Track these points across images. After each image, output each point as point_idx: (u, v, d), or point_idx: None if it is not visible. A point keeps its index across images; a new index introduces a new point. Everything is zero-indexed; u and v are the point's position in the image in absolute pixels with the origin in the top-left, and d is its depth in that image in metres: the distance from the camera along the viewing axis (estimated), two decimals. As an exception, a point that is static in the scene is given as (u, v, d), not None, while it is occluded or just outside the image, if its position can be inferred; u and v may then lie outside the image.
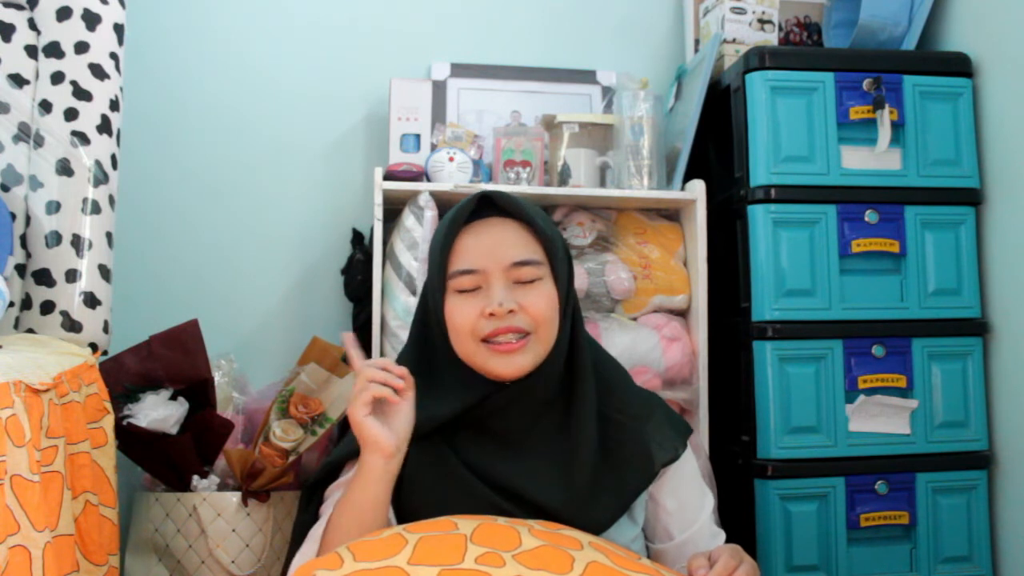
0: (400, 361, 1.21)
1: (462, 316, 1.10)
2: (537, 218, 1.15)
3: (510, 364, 1.09)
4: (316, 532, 1.10)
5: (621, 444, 1.14)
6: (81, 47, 1.45)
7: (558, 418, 1.14)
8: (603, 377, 1.18)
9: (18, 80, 1.44)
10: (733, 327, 1.73)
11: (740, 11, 1.90)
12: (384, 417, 1.06)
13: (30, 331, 1.39)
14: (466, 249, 1.12)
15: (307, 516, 1.16)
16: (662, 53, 2.11)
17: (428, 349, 1.18)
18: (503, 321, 1.08)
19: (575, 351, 1.15)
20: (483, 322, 1.09)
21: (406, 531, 0.92)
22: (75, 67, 1.45)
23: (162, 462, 1.56)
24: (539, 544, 0.89)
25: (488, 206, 1.15)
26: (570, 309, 1.15)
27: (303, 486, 1.23)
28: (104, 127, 1.45)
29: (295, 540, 1.16)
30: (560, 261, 1.14)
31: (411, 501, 1.10)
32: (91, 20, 1.47)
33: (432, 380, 1.15)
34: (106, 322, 1.44)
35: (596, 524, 1.08)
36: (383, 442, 1.04)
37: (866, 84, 1.70)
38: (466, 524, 0.93)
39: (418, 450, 1.11)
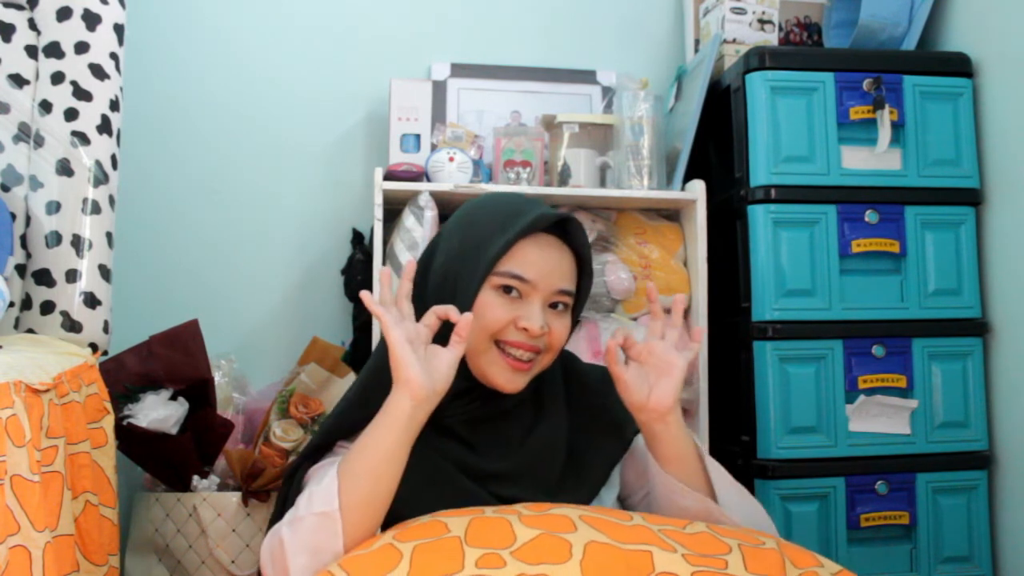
0: (378, 352, 1.18)
1: (494, 315, 1.08)
2: (588, 256, 1.16)
3: (512, 380, 1.09)
4: (324, 473, 1.03)
5: (592, 422, 1.18)
6: (81, 47, 1.45)
7: (527, 419, 1.15)
8: (565, 366, 1.21)
9: (18, 80, 1.44)
10: (733, 327, 1.73)
11: (740, 11, 1.90)
12: (423, 361, 1.00)
13: (30, 331, 1.39)
14: (527, 257, 1.10)
15: (290, 489, 1.14)
16: (662, 53, 2.11)
17: None
18: (532, 340, 1.09)
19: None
20: (512, 330, 1.09)
21: (397, 540, 0.89)
22: (75, 67, 1.45)
23: (162, 462, 1.56)
24: (535, 534, 0.88)
25: (557, 225, 1.13)
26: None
27: (293, 460, 1.22)
28: (104, 127, 1.45)
29: (277, 514, 1.14)
30: (583, 301, 1.18)
31: (398, 495, 1.09)
32: (91, 20, 1.47)
33: None
34: (106, 322, 1.44)
35: (579, 503, 1.09)
36: (416, 382, 0.98)
37: (866, 84, 1.70)
38: (456, 523, 0.91)
39: None
